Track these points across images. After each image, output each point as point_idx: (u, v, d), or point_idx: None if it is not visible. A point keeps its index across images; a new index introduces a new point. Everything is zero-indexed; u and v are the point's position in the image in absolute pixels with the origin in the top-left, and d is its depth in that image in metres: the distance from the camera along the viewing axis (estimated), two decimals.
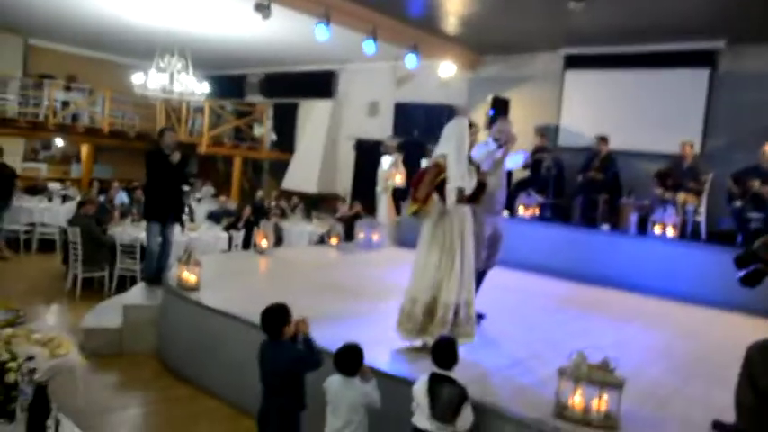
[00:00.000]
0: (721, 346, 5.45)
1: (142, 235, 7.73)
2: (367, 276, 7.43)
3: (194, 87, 11.25)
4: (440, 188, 4.36)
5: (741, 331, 6.13)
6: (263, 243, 8.25)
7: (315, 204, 13.84)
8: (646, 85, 9.63)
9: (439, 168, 4.35)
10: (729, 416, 3.45)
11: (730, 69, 9.08)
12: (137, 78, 10.83)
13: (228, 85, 16.59)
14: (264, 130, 15.67)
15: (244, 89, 16.56)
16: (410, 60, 10.19)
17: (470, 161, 4.53)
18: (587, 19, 8.84)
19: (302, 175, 14.35)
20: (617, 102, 9.85)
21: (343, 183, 14.04)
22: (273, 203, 12.51)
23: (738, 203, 7.73)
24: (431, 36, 10.44)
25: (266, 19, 7.95)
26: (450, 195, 4.31)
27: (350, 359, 3.50)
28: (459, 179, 4.32)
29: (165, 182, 6.76)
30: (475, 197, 4.52)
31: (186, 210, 10.13)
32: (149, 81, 10.74)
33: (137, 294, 6.57)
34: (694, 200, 8.27)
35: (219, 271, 6.83)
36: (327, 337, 3.98)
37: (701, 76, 9.18)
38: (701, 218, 8.20)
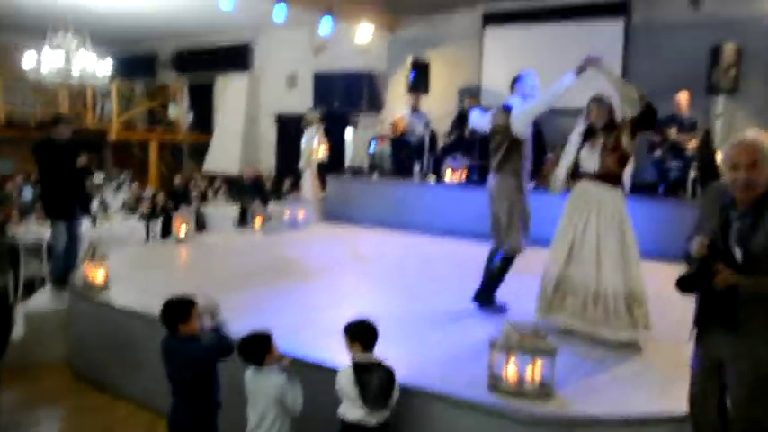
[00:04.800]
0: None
1: (48, 233, 7.11)
2: (292, 257, 7.10)
3: (95, 67, 10.43)
4: None
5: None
6: (182, 230, 7.78)
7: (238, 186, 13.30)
8: (564, 39, 9.53)
9: None
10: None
11: (644, 18, 9.11)
12: (28, 60, 9.93)
13: (138, 64, 15.60)
14: (180, 111, 14.88)
15: (155, 67, 15.66)
16: (325, 24, 9.75)
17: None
18: None
19: (223, 155, 13.76)
20: (536, 57, 9.66)
21: (267, 161, 13.54)
22: (195, 187, 11.90)
23: (658, 153, 7.80)
24: None
25: None
26: (561, 171, 4.49)
27: (252, 347, 3.22)
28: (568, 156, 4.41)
29: (62, 174, 6.17)
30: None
31: (98, 200, 9.49)
32: (43, 62, 9.86)
33: (41, 299, 6.02)
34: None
35: (133, 264, 6.36)
36: (249, 327, 3.66)
37: (616, 27, 9.18)
38: None
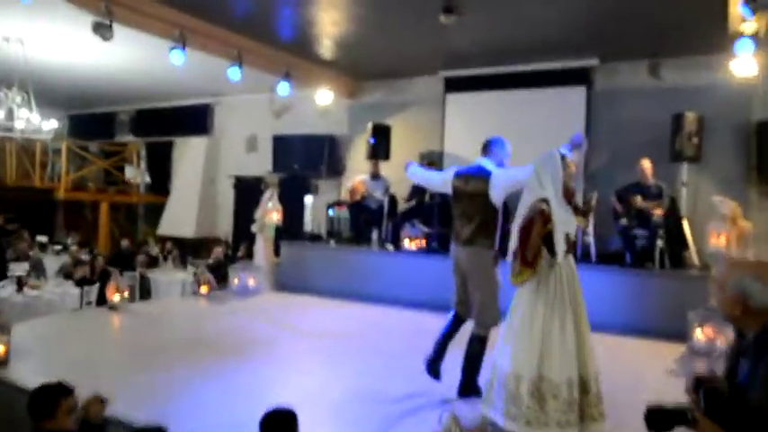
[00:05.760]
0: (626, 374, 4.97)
1: None
2: (233, 329, 6.48)
3: (40, 124, 9.95)
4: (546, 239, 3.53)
5: (636, 355, 5.76)
6: (116, 297, 7.14)
7: (194, 250, 12.70)
8: (526, 106, 9.42)
9: (545, 217, 3.51)
10: None
11: (605, 86, 9.03)
12: None
13: (96, 124, 15.21)
14: (137, 172, 14.38)
15: (113, 128, 15.21)
16: (282, 88, 9.46)
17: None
18: (464, 40, 8.55)
19: (179, 218, 13.19)
20: (499, 124, 9.50)
21: (224, 224, 13.01)
22: (147, 250, 11.26)
23: (624, 221, 7.51)
24: (305, 61, 9.81)
25: (108, 41, 6.98)
26: (561, 245, 3.52)
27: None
28: (565, 224, 3.58)
29: None
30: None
31: (30, 263, 8.82)
32: None
33: None
34: (582, 221, 7.95)
35: (49, 335, 5.71)
36: (161, 415, 3.12)
37: (578, 94, 9.07)
38: (590, 239, 7.91)
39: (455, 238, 4.57)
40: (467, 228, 4.43)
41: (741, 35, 6.54)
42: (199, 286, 8.51)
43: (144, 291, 9.52)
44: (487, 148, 4.56)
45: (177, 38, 7.74)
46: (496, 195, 4.31)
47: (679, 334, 6.08)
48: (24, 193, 13.23)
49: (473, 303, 4.45)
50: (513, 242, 3.64)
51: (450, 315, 4.60)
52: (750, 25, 6.50)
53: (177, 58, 7.77)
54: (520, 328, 3.51)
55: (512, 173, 4.34)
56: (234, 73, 8.62)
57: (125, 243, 11.00)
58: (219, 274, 9.21)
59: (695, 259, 7.53)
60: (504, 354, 3.53)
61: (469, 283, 4.47)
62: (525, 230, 3.53)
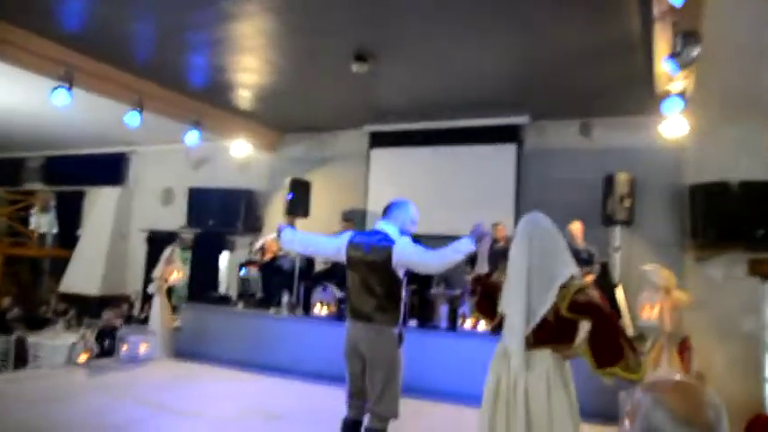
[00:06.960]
0: None
1: None
2: (95, 409, 5.40)
3: None
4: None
5: None
6: None
7: (99, 309, 11.48)
8: (454, 163, 8.90)
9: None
10: None
11: (536, 145, 8.61)
12: None
13: (2, 169, 14.06)
14: (43, 223, 13.14)
15: (21, 175, 14.06)
16: (191, 137, 8.68)
17: None
18: (388, 93, 8.09)
19: (83, 274, 11.99)
20: (425, 181, 8.97)
21: (134, 282, 11.88)
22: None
23: None
24: (218, 110, 9.10)
25: None
26: None
27: None
28: None
29: None
30: None
31: None
32: None
33: None
34: None
35: None
36: None
37: (508, 152, 8.58)
38: None
39: (352, 313, 3.89)
40: (367, 302, 3.79)
41: (669, 94, 6.20)
42: (79, 353, 7.43)
43: (20, 357, 8.38)
44: (389, 211, 3.96)
45: (62, 77, 6.93)
46: (399, 268, 3.76)
47: (611, 415, 5.43)
48: None
49: (372, 391, 3.77)
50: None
51: (343, 423, 3.88)
52: (677, 84, 6.17)
53: (60, 98, 6.94)
54: None
55: (421, 254, 3.74)
56: (132, 119, 7.83)
57: (6, 301, 9.78)
58: (114, 338, 8.15)
59: (630, 330, 6.96)
60: None
61: (369, 366, 3.77)
62: (609, 324, 2.95)
